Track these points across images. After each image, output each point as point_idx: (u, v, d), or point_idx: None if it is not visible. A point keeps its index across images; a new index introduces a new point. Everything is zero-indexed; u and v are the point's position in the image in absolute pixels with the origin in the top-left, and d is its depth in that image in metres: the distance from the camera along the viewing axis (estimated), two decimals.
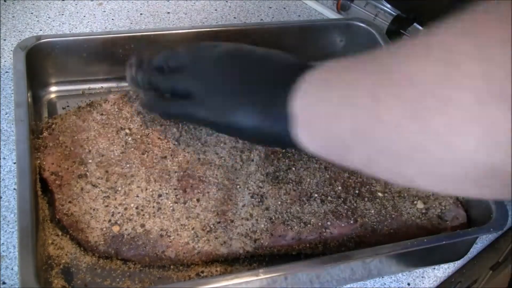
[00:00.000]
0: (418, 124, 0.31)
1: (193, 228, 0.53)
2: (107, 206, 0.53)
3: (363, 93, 0.35)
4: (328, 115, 0.39)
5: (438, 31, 0.33)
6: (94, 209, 0.53)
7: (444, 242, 0.52)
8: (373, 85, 0.34)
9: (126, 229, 0.52)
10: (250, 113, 0.46)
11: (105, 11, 0.83)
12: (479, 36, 0.29)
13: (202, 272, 0.52)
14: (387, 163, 0.36)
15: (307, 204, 0.55)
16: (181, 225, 0.53)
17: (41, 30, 0.78)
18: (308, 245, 0.53)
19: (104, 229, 0.51)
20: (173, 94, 0.52)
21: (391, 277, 0.56)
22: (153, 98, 0.55)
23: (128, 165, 0.56)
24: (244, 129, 0.47)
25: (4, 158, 0.60)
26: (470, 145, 0.29)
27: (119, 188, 0.55)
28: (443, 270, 0.58)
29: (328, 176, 0.58)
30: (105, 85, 0.70)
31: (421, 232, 0.55)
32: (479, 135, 0.28)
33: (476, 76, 0.28)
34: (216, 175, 0.57)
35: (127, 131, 0.60)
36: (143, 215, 0.53)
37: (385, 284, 0.55)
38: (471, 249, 0.58)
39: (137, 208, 0.53)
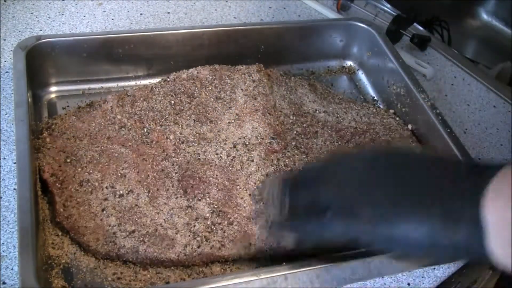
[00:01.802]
0: None
1: (193, 229, 0.53)
2: (107, 208, 0.53)
3: None
4: None
5: None
6: (94, 212, 0.53)
7: None
8: None
9: (126, 231, 0.52)
10: (418, 219, 0.38)
11: (105, 11, 0.83)
12: None
13: (203, 272, 0.52)
14: None
15: None
16: (182, 226, 0.53)
17: (41, 30, 0.78)
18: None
19: (105, 231, 0.51)
20: (306, 212, 0.45)
21: (391, 277, 0.56)
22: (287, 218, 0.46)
23: (128, 166, 0.56)
24: (409, 240, 0.39)
25: (4, 158, 0.60)
26: None
27: (119, 190, 0.55)
28: (443, 270, 0.58)
29: None
30: (105, 85, 0.70)
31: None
32: None
33: None
34: (216, 175, 0.57)
35: (127, 131, 0.60)
36: (144, 216, 0.53)
37: (385, 284, 0.55)
38: None
39: (137, 209, 0.53)
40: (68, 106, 0.66)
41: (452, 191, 0.38)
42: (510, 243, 0.34)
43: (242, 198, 0.55)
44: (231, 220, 0.54)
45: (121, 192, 0.54)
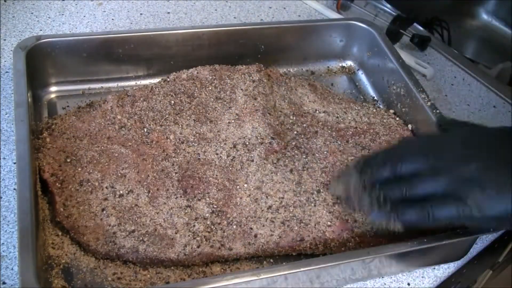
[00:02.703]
0: None
1: (193, 229, 0.53)
2: (107, 207, 0.53)
3: None
4: None
5: None
6: (94, 211, 0.53)
7: (444, 242, 0.51)
8: None
9: (126, 230, 0.52)
10: None
11: (105, 11, 0.83)
12: None
13: (203, 272, 0.52)
14: None
15: (307, 205, 0.55)
16: (181, 226, 0.53)
17: (41, 30, 0.78)
18: (308, 245, 0.53)
19: (105, 231, 0.51)
20: (406, 202, 0.47)
21: (391, 277, 0.56)
22: (382, 207, 0.48)
23: (128, 166, 0.56)
24: None
25: (4, 158, 0.60)
26: None
27: (119, 189, 0.55)
28: (443, 270, 0.58)
29: (328, 177, 0.58)
30: (105, 85, 0.70)
31: (421, 232, 0.55)
32: None
33: None
34: (216, 175, 0.57)
35: (127, 131, 0.60)
36: (143, 216, 0.53)
37: (385, 284, 0.55)
38: (471, 249, 0.58)
39: (137, 209, 0.53)
40: (68, 106, 0.66)
41: None
42: None
43: (241, 198, 0.55)
44: (230, 220, 0.54)
45: (121, 192, 0.54)
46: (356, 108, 0.69)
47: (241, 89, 0.66)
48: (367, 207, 0.49)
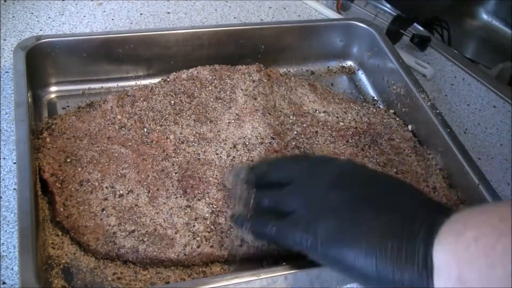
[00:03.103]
0: None
1: (193, 229, 0.53)
2: (107, 207, 0.53)
3: None
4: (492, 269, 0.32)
5: None
6: (94, 211, 0.53)
7: None
8: None
9: (126, 231, 0.52)
10: (370, 250, 0.38)
11: (105, 11, 0.83)
12: None
13: (203, 272, 0.52)
14: None
15: None
16: (181, 226, 0.53)
17: (41, 30, 0.78)
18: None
19: (104, 231, 0.51)
20: (271, 212, 0.47)
21: None
22: (249, 212, 0.48)
23: (128, 166, 0.56)
24: (357, 268, 0.39)
25: (4, 158, 0.60)
26: None
27: (119, 189, 0.55)
28: None
29: None
30: (105, 85, 0.70)
31: None
32: None
33: None
34: (216, 175, 0.57)
35: (127, 131, 0.60)
36: (143, 216, 0.53)
37: None
38: None
39: (137, 209, 0.53)
40: (68, 106, 0.66)
41: (409, 229, 0.38)
42: (460, 280, 0.33)
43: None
44: (229, 220, 0.54)
45: (121, 192, 0.54)
46: (356, 108, 0.69)
47: (241, 89, 0.66)
48: (240, 207, 0.50)
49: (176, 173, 0.57)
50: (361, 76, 0.79)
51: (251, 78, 0.67)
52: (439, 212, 0.37)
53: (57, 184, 0.54)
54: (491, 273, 0.32)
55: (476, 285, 0.33)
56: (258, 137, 0.60)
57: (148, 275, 0.51)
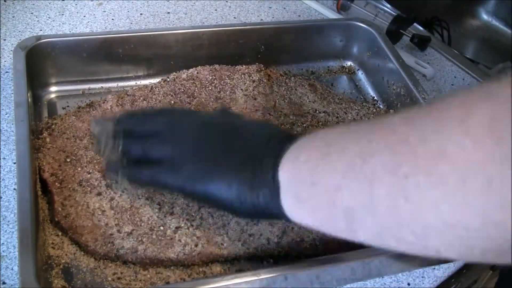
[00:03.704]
0: (455, 202, 0.30)
1: (193, 229, 0.53)
2: (105, 208, 0.53)
3: (378, 168, 0.34)
4: (330, 187, 0.37)
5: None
6: (92, 211, 0.53)
7: None
8: (392, 160, 0.33)
9: (125, 231, 0.52)
10: (230, 182, 0.44)
11: (105, 11, 0.83)
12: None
13: (203, 272, 0.52)
14: (405, 234, 0.34)
15: None
16: (181, 226, 0.53)
17: (41, 30, 0.78)
18: (308, 246, 0.53)
19: (103, 231, 0.51)
20: (142, 161, 0.50)
21: (391, 277, 0.56)
22: (120, 162, 0.51)
23: None
24: (223, 199, 0.45)
25: (4, 158, 0.60)
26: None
27: (119, 190, 0.54)
28: (443, 270, 0.58)
29: None
30: (105, 85, 0.70)
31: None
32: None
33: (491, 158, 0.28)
34: None
35: None
36: (142, 216, 0.53)
37: (385, 284, 0.55)
38: None
39: (136, 209, 0.53)
40: (68, 106, 0.66)
41: (259, 159, 0.44)
42: (297, 197, 0.40)
43: None
44: (230, 219, 0.54)
45: (120, 192, 0.54)
46: (356, 108, 0.69)
47: (241, 89, 0.66)
48: (108, 157, 0.52)
49: None
50: (361, 76, 0.79)
51: (251, 78, 0.67)
52: (287, 141, 0.43)
53: (56, 184, 0.54)
54: (314, 189, 0.38)
55: (306, 200, 0.40)
56: None
57: (148, 275, 0.51)
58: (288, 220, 0.43)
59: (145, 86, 0.65)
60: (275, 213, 0.43)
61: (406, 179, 0.32)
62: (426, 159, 0.31)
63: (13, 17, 0.79)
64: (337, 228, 0.39)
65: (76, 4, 0.83)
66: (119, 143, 0.51)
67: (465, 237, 0.31)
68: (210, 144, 0.47)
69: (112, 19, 0.82)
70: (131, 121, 0.53)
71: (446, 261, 0.58)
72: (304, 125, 0.64)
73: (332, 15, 0.90)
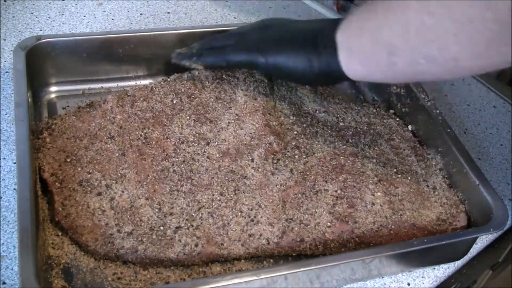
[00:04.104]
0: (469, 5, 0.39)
1: (193, 229, 0.53)
2: (106, 208, 0.53)
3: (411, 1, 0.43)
4: (373, 29, 0.47)
5: None
6: (92, 211, 0.53)
7: (444, 242, 0.52)
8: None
9: (125, 231, 0.52)
10: (297, 50, 0.55)
11: (105, 11, 0.83)
12: None
13: (203, 272, 0.52)
14: (432, 49, 0.43)
15: (306, 206, 0.55)
16: (181, 226, 0.53)
17: (41, 30, 0.78)
18: (308, 246, 0.53)
19: (103, 231, 0.51)
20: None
21: (391, 277, 0.56)
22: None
23: (127, 166, 0.56)
24: (291, 67, 0.56)
25: (4, 158, 0.60)
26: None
27: (118, 190, 0.55)
28: (443, 270, 0.58)
29: (327, 177, 0.58)
30: (105, 85, 0.70)
31: (421, 232, 0.55)
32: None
33: None
34: (216, 175, 0.57)
35: (127, 131, 0.60)
36: (142, 216, 0.53)
37: (385, 284, 0.55)
38: (471, 249, 0.58)
39: (137, 209, 0.53)
40: (68, 106, 0.66)
41: (320, 30, 0.55)
42: (349, 50, 0.51)
43: (241, 199, 0.55)
44: (230, 219, 0.54)
45: (120, 192, 0.54)
46: (356, 108, 0.69)
47: (241, 90, 0.66)
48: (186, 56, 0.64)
49: (176, 173, 0.57)
50: None
51: (251, 78, 0.67)
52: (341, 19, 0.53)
53: (56, 183, 0.54)
54: (360, 34, 0.50)
55: (355, 49, 0.51)
56: (258, 137, 0.60)
57: (148, 275, 0.51)
58: (346, 78, 0.53)
59: (145, 86, 0.65)
60: (335, 72, 0.53)
61: None
62: None
63: (13, 17, 0.79)
64: (381, 65, 0.49)
65: (76, 4, 0.83)
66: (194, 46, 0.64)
67: (472, 30, 0.40)
68: (275, 30, 0.59)
69: (112, 19, 0.82)
70: (207, 42, 0.64)
71: (446, 261, 0.58)
72: (304, 125, 0.64)
73: (332, 15, 0.90)
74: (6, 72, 0.70)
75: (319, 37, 0.54)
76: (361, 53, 0.50)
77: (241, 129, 0.61)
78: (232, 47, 0.60)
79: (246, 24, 0.65)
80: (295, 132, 0.63)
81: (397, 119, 0.69)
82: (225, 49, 0.60)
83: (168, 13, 0.85)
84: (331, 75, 0.54)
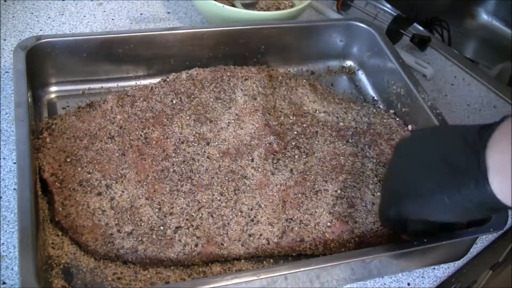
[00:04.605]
0: None
1: (193, 229, 0.53)
2: (106, 208, 0.53)
3: None
4: None
5: None
6: (92, 211, 0.53)
7: (444, 242, 0.51)
8: None
9: (126, 231, 0.52)
10: (447, 196, 0.44)
11: (105, 11, 0.83)
12: None
13: (203, 272, 0.52)
14: None
15: (306, 206, 0.55)
16: (181, 226, 0.53)
17: (41, 30, 0.78)
18: (308, 246, 0.53)
19: (103, 231, 0.51)
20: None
21: (391, 277, 0.56)
22: None
23: (127, 166, 0.56)
24: (438, 209, 0.46)
25: (4, 158, 0.60)
26: None
27: (118, 190, 0.55)
28: (443, 270, 0.58)
29: (327, 177, 0.58)
30: (105, 85, 0.70)
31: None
32: None
33: None
34: (216, 175, 0.57)
35: (127, 131, 0.60)
36: (142, 216, 0.53)
37: (385, 284, 0.55)
38: (471, 249, 0.58)
39: (137, 209, 0.53)
40: (68, 106, 0.66)
41: (466, 162, 0.43)
42: (509, 179, 0.40)
43: (241, 199, 0.55)
44: (230, 219, 0.54)
45: (120, 192, 0.54)
46: (356, 108, 0.69)
47: (241, 89, 0.66)
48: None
49: (176, 173, 0.57)
50: (361, 76, 0.79)
51: (251, 78, 0.67)
52: (484, 131, 0.43)
53: (56, 183, 0.54)
54: None
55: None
56: (258, 137, 0.60)
57: (148, 275, 0.51)
58: (499, 204, 0.42)
59: (145, 86, 0.65)
60: (486, 201, 0.42)
61: None
62: None
63: (13, 17, 0.79)
64: None
65: (76, 4, 0.83)
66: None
67: None
68: (428, 172, 0.47)
69: (112, 19, 0.82)
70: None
71: (446, 261, 0.58)
72: (304, 125, 0.64)
73: (332, 15, 0.90)
74: (6, 72, 0.70)
75: (465, 160, 0.43)
76: None
77: (241, 129, 0.61)
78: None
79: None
80: (295, 132, 0.63)
81: (397, 119, 0.69)
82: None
83: (168, 13, 0.85)
84: (482, 207, 0.43)
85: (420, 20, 0.95)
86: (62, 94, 0.68)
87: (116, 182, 0.55)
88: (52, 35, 0.69)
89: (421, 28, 0.92)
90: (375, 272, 0.54)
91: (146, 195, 0.54)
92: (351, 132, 0.64)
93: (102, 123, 0.60)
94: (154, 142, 0.59)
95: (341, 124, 0.66)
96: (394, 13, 0.88)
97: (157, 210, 0.53)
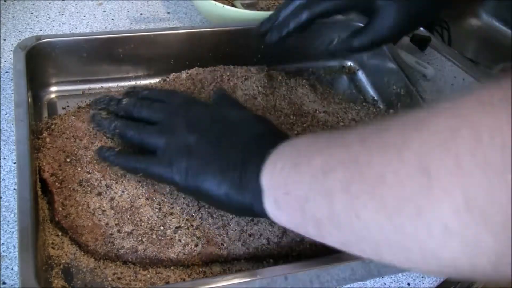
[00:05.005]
0: (394, 225, 0.32)
1: (193, 229, 0.53)
2: (106, 207, 0.53)
3: (336, 184, 0.36)
4: (300, 197, 0.39)
5: (413, 128, 0.32)
6: (92, 211, 0.53)
7: None
8: (345, 177, 0.35)
9: (126, 231, 0.52)
10: (220, 182, 0.46)
11: (105, 11, 0.83)
12: (457, 150, 0.28)
13: (203, 272, 0.52)
14: (364, 247, 0.36)
15: None
16: (181, 226, 0.53)
17: (41, 30, 0.78)
18: (308, 246, 0.53)
19: (103, 231, 0.51)
20: (135, 145, 0.54)
21: (391, 277, 0.56)
22: (116, 149, 0.55)
23: None
24: (212, 196, 0.47)
25: (4, 158, 0.60)
26: (450, 253, 0.30)
27: (119, 190, 0.54)
28: None
29: None
30: (105, 85, 0.70)
31: None
32: (458, 249, 0.29)
33: (454, 191, 0.28)
34: None
35: None
36: (142, 216, 0.53)
37: (385, 284, 0.55)
38: None
39: (137, 209, 0.53)
40: (68, 106, 0.66)
41: (247, 162, 0.46)
42: (275, 202, 0.42)
43: None
44: (230, 219, 0.54)
45: (120, 192, 0.54)
46: (356, 108, 0.69)
47: (241, 89, 0.66)
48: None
49: None
50: (361, 76, 0.79)
51: (251, 78, 0.67)
52: (274, 143, 0.44)
53: (56, 183, 0.54)
54: (287, 198, 0.41)
55: (282, 207, 0.42)
56: None
57: (148, 275, 0.51)
58: (272, 220, 0.44)
59: (145, 86, 0.65)
60: (260, 213, 0.44)
61: (357, 199, 0.34)
62: (371, 181, 0.33)
63: (13, 17, 0.79)
64: (309, 234, 0.41)
65: (76, 4, 0.83)
66: (117, 124, 0.55)
67: (409, 257, 0.33)
68: (203, 140, 0.49)
69: (112, 19, 0.82)
70: (132, 105, 0.55)
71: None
72: (304, 125, 0.64)
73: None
74: (6, 72, 0.70)
75: (244, 169, 0.46)
76: (287, 212, 0.42)
77: None
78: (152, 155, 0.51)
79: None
80: (295, 132, 0.63)
81: None
82: (144, 157, 0.52)
83: (168, 13, 0.85)
84: (255, 214, 0.46)
85: None
86: (62, 94, 0.68)
87: (116, 182, 0.55)
88: (52, 35, 0.69)
89: (421, 28, 0.92)
90: (375, 272, 0.54)
91: (146, 195, 0.54)
92: None
93: None
94: None
95: (341, 124, 0.66)
96: None
97: (157, 210, 0.53)
